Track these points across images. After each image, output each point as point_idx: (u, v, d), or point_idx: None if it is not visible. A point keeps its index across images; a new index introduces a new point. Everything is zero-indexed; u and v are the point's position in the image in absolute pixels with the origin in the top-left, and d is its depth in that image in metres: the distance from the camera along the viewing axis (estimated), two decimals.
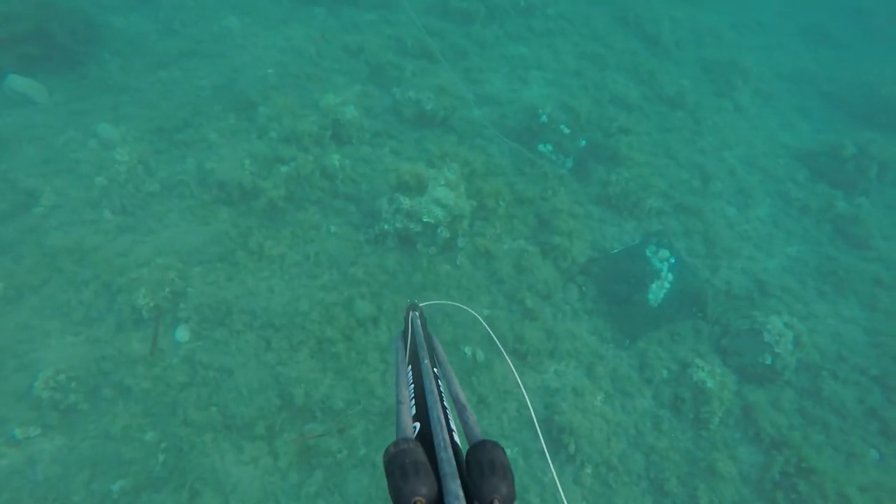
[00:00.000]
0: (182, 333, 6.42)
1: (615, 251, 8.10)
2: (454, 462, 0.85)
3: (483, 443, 0.94)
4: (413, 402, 1.20)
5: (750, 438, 6.88)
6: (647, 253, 7.99)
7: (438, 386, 1.21)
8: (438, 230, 7.29)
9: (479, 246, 7.56)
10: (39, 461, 5.51)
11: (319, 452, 5.82)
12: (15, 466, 5.45)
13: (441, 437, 0.92)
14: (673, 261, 7.89)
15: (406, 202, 7.28)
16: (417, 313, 1.75)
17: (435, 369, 1.31)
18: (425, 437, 0.98)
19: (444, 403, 1.13)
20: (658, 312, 7.48)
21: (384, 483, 5.57)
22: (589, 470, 6.09)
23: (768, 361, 7.23)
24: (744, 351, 7.44)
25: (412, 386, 1.24)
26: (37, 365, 5.92)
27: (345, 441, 5.92)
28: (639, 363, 7.12)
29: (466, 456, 0.92)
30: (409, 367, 1.36)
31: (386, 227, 7.40)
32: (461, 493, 0.78)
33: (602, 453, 6.20)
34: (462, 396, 1.23)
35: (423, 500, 0.78)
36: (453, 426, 1.04)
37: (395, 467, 0.85)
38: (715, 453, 6.54)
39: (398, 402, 1.26)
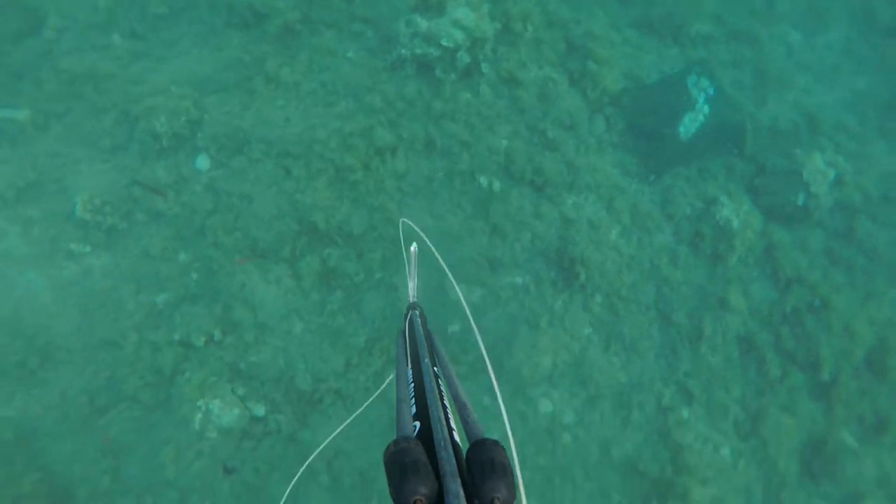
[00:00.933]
0: (202, 162, 6.57)
1: (651, 81, 7.47)
2: (454, 461, 0.84)
3: (483, 441, 0.93)
4: (413, 400, 1.21)
5: (767, 276, 6.87)
6: (688, 84, 7.34)
7: (439, 384, 1.21)
8: (458, 55, 6.81)
9: (502, 72, 7.09)
10: (92, 274, 6.10)
11: (339, 275, 6.18)
12: (74, 278, 6.06)
13: (441, 436, 0.92)
14: (711, 91, 7.25)
15: (423, 24, 6.73)
16: (417, 311, 1.72)
17: (435, 368, 1.32)
18: (425, 436, 0.99)
19: (445, 402, 1.14)
20: (688, 147, 7.09)
21: (397, 302, 5.93)
22: (599, 299, 6.30)
23: (800, 202, 6.92)
24: (776, 190, 7.11)
25: (412, 384, 1.24)
26: (72, 189, 6.27)
27: (362, 264, 6.23)
28: (661, 199, 6.94)
29: (467, 455, 0.93)
30: (410, 365, 1.37)
31: (404, 52, 6.97)
32: (461, 493, 0.77)
33: (612, 284, 6.36)
34: (463, 395, 1.22)
35: (423, 500, 0.78)
36: (453, 425, 1.05)
37: (395, 466, 0.85)
38: (728, 287, 6.61)
39: (398, 401, 1.27)
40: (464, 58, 6.84)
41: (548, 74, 7.30)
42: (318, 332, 6.04)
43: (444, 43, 6.69)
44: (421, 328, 1.55)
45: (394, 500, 0.79)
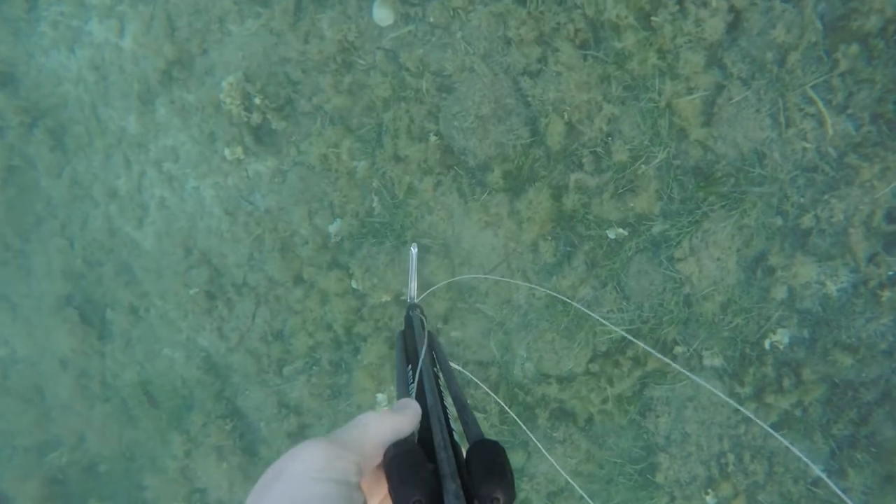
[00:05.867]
0: (382, 12, 4.13)
1: None
2: (454, 462, 0.75)
3: (483, 442, 0.81)
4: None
5: None
6: None
7: (439, 385, 1.06)
8: None
9: None
10: (259, 187, 4.70)
11: (583, 224, 3.77)
12: (240, 190, 4.75)
13: (440, 437, 0.81)
14: None
15: None
16: (418, 312, 1.45)
17: (435, 368, 1.15)
18: (425, 437, 0.87)
19: (444, 403, 0.99)
20: None
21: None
22: None
23: None
24: None
25: (412, 385, 1.08)
26: (219, 66, 4.54)
27: (630, 214, 3.68)
28: None
29: (466, 456, 0.80)
30: (409, 366, 1.18)
31: None
32: (461, 493, 0.69)
33: None
34: (462, 396, 1.06)
35: (423, 500, 0.69)
36: (453, 426, 0.91)
37: (394, 467, 0.74)
38: None
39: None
40: None
41: None
42: (541, 311, 3.99)
43: None
44: (421, 329, 1.35)
45: (393, 501, 0.70)
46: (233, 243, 4.67)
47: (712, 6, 3.25)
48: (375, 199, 4.28)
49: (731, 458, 3.55)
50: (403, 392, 1.13)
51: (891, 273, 3.34)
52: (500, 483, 0.73)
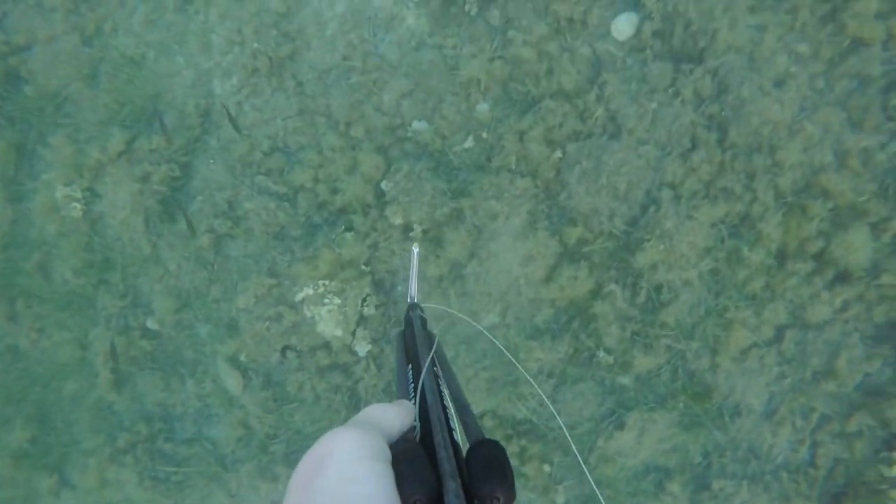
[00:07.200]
0: (624, 26, 3.96)
1: None
2: (454, 461, 0.75)
3: (483, 441, 0.84)
4: (413, 401, 1.07)
5: None
6: None
7: (439, 385, 1.08)
8: None
9: None
10: (393, 29, 4.31)
11: (589, 326, 3.88)
12: (378, 14, 4.33)
13: (441, 436, 0.81)
14: None
15: None
16: (418, 312, 1.54)
17: (435, 368, 1.18)
18: (425, 436, 0.88)
19: (445, 402, 1.02)
20: None
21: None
22: None
23: None
24: None
25: (412, 385, 1.11)
26: None
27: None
28: None
29: (466, 455, 0.82)
30: (409, 366, 1.22)
31: None
32: (461, 492, 0.68)
33: None
34: (463, 395, 1.12)
35: (423, 500, 0.68)
36: (453, 425, 0.93)
37: (395, 466, 0.72)
38: None
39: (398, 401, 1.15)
40: None
41: None
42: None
43: None
44: (421, 329, 1.42)
45: None
46: (328, 45, 4.26)
47: (834, 299, 3.48)
48: (470, 138, 4.10)
49: None
50: (404, 392, 1.15)
51: None
52: (501, 483, 0.74)
